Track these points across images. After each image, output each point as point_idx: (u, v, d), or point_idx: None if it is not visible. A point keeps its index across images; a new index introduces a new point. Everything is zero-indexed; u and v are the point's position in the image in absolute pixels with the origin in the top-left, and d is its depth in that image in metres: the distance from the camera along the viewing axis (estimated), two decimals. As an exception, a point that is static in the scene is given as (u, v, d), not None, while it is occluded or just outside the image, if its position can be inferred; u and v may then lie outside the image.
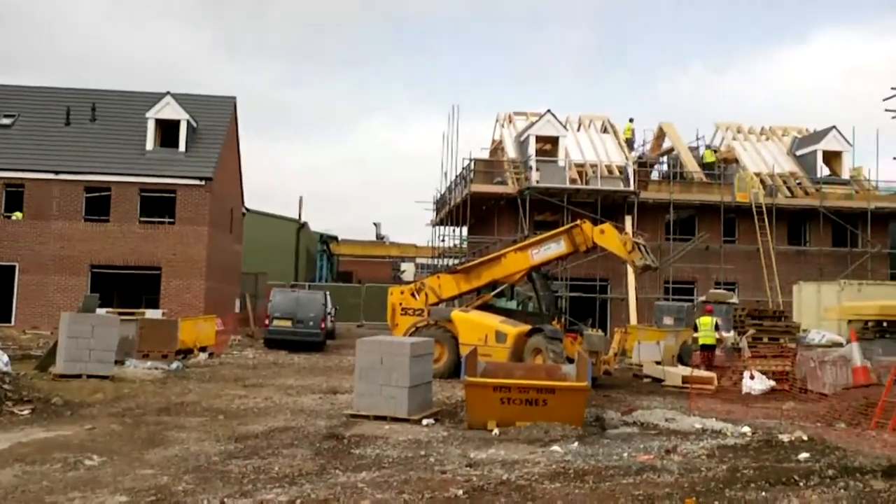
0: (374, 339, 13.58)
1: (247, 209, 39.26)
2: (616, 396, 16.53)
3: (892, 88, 17.24)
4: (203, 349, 22.82)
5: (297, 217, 52.13)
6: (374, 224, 68.14)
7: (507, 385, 11.79)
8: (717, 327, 20.81)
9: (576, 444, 10.53)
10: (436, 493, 7.83)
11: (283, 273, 44.69)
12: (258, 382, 17.65)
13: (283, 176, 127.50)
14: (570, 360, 16.20)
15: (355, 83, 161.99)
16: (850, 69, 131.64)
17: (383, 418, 12.27)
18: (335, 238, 62.05)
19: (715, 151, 38.17)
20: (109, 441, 10.50)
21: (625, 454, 9.95)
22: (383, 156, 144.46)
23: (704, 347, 20.62)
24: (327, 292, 29.40)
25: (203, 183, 29.42)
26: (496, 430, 11.37)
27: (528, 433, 11.12)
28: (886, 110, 17.52)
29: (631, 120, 38.25)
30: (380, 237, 66.79)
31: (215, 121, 32.53)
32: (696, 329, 20.81)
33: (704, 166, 37.22)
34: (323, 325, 26.22)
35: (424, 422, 12.24)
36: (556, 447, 10.26)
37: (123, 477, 8.50)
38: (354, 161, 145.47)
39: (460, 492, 7.84)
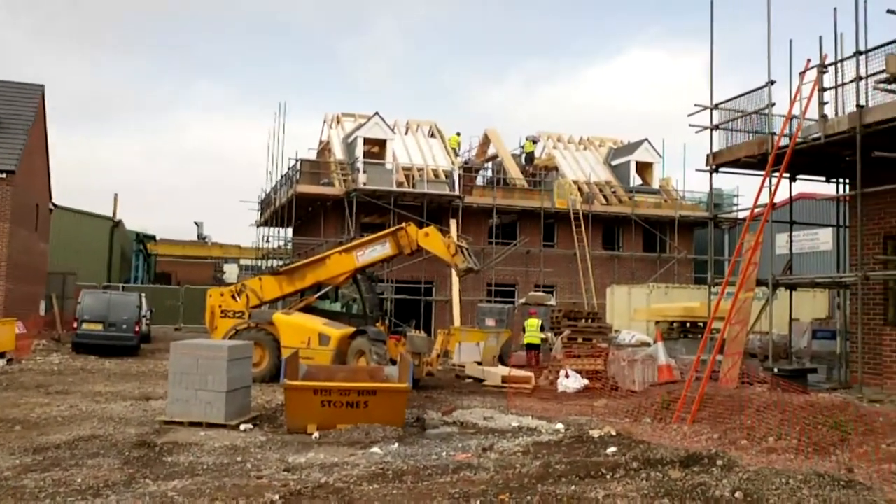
0: (189, 342, 13.06)
1: (55, 205, 36.80)
2: (438, 397, 16.74)
3: (696, 105, 18.44)
4: (1, 355, 21.19)
5: (111, 215, 49.47)
6: (196, 223, 65.99)
7: (327, 388, 11.66)
8: (542, 328, 22.27)
9: (396, 444, 10.59)
10: (251, 498, 7.62)
11: (95, 274, 42.32)
12: (63, 389, 16.54)
13: (97, 172, 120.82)
14: (394, 362, 16.25)
15: (176, 77, 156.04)
16: (661, 85, 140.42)
17: (199, 424, 11.80)
18: (153, 237, 59.46)
19: (534, 142, 39.82)
20: None
21: (443, 453, 10.11)
22: (206, 153, 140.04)
23: (530, 347, 21.95)
24: (143, 294, 28.04)
25: (4, 176, 27.26)
26: (316, 434, 11.22)
27: (349, 435, 11.05)
28: (690, 125, 18.71)
29: (458, 134, 39.03)
30: (201, 237, 64.63)
31: (20, 110, 30.15)
32: (524, 330, 22.03)
33: (525, 157, 38.84)
34: (137, 329, 24.98)
35: (242, 427, 11.88)
36: (376, 448, 10.26)
37: None
38: (175, 158, 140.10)
39: (276, 497, 7.66)
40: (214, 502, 7.54)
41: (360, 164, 33.16)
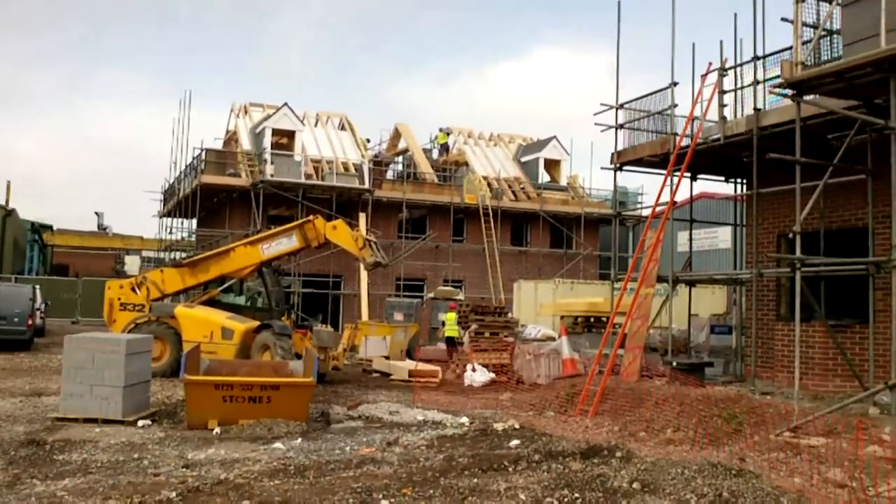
0: (84, 335, 12.58)
1: (-59, 192, 34.98)
2: (344, 391, 16.61)
3: (602, 104, 18.81)
4: None
5: (3, 203, 47.28)
6: (96, 213, 63.76)
7: (229, 382, 11.41)
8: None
9: (299, 440, 10.46)
10: (146, 496, 7.38)
11: (-15, 265, 40.45)
12: (-54, 386, 15.73)
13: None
14: (299, 357, 16.05)
15: (72, 62, 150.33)
16: (569, 84, 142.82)
17: (94, 421, 11.41)
18: (49, 227, 57.08)
19: (448, 134, 40.07)
20: None
21: (347, 448, 10.03)
22: (108, 142, 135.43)
23: (449, 340, 22.03)
24: (37, 286, 26.92)
25: None
26: (217, 430, 10.98)
27: (251, 431, 10.87)
28: (596, 124, 19.09)
29: (367, 140, 38.79)
30: (102, 228, 62.45)
31: None
32: (443, 324, 22.16)
33: (439, 148, 39.10)
34: (30, 322, 23.95)
35: (140, 423, 11.53)
36: (278, 444, 10.11)
37: None
38: (75, 147, 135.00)
39: (173, 494, 7.46)
40: (108, 501, 7.29)
41: (267, 156, 32.60)
